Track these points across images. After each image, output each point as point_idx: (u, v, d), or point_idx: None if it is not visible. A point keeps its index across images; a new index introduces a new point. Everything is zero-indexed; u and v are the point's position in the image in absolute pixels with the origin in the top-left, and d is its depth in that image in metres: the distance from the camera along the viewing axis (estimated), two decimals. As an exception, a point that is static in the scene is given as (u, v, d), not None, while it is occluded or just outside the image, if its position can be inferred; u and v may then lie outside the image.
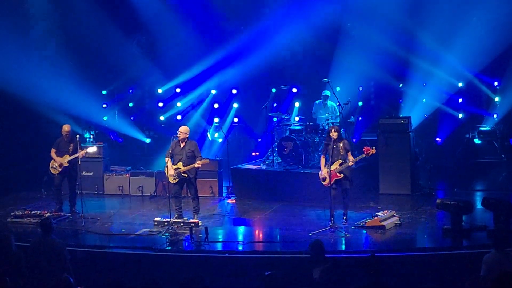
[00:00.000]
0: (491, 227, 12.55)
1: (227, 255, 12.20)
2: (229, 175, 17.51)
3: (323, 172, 13.53)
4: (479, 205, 13.90)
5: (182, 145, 14.13)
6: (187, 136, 14.21)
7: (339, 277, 8.89)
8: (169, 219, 13.83)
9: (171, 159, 14.16)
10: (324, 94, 18.00)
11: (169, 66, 20.25)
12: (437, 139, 19.91)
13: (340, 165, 13.35)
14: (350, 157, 13.36)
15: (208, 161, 14.45)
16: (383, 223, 13.33)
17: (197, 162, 13.95)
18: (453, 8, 18.60)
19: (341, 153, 13.39)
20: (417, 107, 19.43)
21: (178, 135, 14.13)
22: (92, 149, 15.94)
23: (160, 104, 20.46)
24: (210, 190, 17.18)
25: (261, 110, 18.01)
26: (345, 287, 8.63)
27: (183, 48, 19.75)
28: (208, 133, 19.85)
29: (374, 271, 7.91)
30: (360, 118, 19.24)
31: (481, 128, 19.42)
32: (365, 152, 13.41)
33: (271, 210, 15.58)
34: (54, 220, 14.10)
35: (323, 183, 13.57)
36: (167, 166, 14.12)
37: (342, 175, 13.36)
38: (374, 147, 13.64)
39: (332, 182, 13.38)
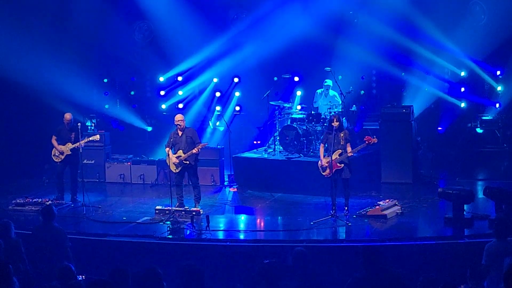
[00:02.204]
0: (492, 216, 12.54)
1: (228, 243, 12.22)
2: (230, 163, 17.50)
3: (323, 162, 13.53)
4: (480, 194, 13.88)
5: (180, 134, 14.14)
6: (184, 123, 14.24)
7: None
8: (170, 208, 13.83)
9: (171, 149, 14.15)
10: (326, 83, 17.94)
11: (171, 54, 20.18)
12: (439, 128, 19.86)
13: (340, 155, 13.34)
14: (349, 148, 13.36)
15: (206, 144, 14.44)
16: (385, 212, 13.34)
17: (195, 147, 13.96)
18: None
19: (341, 143, 13.38)
20: (419, 96, 19.37)
21: (177, 123, 14.11)
22: (94, 137, 15.90)
23: (162, 93, 20.40)
24: (212, 178, 17.20)
25: (262, 98, 17.97)
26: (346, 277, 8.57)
27: (184, 36, 19.68)
28: (209, 121, 19.81)
29: (369, 261, 7.85)
30: (362, 107, 19.18)
31: (483, 117, 19.35)
32: (366, 142, 13.40)
33: (272, 199, 15.60)
34: (55, 209, 14.21)
35: (323, 173, 13.57)
36: (168, 156, 14.12)
37: (342, 165, 13.35)
38: (375, 137, 13.64)
39: (332, 172, 13.37)
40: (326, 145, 13.73)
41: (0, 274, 6.96)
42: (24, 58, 18.03)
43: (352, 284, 7.89)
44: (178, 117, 14.29)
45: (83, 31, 19.14)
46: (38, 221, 12.30)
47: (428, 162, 17.84)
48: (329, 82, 17.87)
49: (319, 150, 14.03)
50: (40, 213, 10.77)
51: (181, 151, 14.05)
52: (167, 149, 14.15)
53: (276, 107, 17.75)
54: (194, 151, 13.97)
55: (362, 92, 19.46)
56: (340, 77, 18.28)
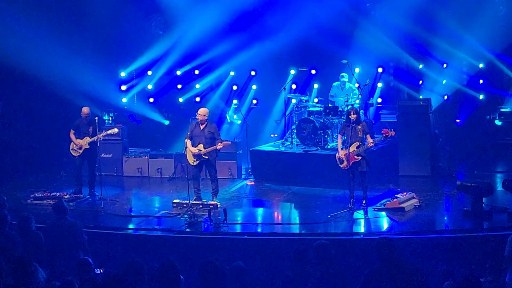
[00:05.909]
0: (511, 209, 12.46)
1: (245, 237, 12.22)
2: (247, 157, 17.49)
3: (340, 154, 13.48)
4: (499, 187, 13.78)
5: (202, 127, 14.08)
6: (207, 118, 14.16)
7: None
8: (187, 201, 13.84)
9: (190, 140, 14.13)
10: (342, 75, 17.89)
11: (188, 47, 20.16)
12: (457, 120, 19.75)
13: (357, 147, 13.28)
14: (370, 139, 13.28)
15: (229, 143, 14.42)
16: (403, 205, 13.27)
17: (218, 144, 13.90)
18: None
19: (359, 135, 13.32)
20: (437, 88, 19.26)
21: (197, 117, 14.09)
22: (113, 131, 15.91)
23: (179, 86, 20.42)
24: (229, 172, 17.19)
25: (280, 91, 17.94)
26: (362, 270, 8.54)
27: (202, 29, 19.65)
28: (226, 115, 19.82)
29: (384, 254, 7.79)
30: (379, 100, 19.11)
31: (502, 109, 19.25)
32: (384, 134, 13.34)
33: (289, 192, 15.57)
34: (73, 202, 14.32)
35: (340, 165, 13.52)
36: (187, 148, 14.09)
37: (359, 157, 13.29)
38: (393, 130, 13.56)
39: (350, 165, 13.32)
40: (344, 137, 13.71)
41: (23, 270, 6.99)
42: (41, 53, 18.07)
43: (368, 277, 7.87)
44: (202, 111, 14.19)
45: (100, 25, 19.16)
46: (52, 217, 12.39)
47: (446, 154, 17.73)
48: (345, 75, 17.82)
49: (336, 143, 13.97)
50: (52, 209, 10.73)
51: (201, 145, 13.98)
52: (187, 140, 14.12)
53: (294, 100, 17.71)
54: (217, 147, 13.89)
55: (380, 84, 19.28)
56: (357, 69, 18.22)
